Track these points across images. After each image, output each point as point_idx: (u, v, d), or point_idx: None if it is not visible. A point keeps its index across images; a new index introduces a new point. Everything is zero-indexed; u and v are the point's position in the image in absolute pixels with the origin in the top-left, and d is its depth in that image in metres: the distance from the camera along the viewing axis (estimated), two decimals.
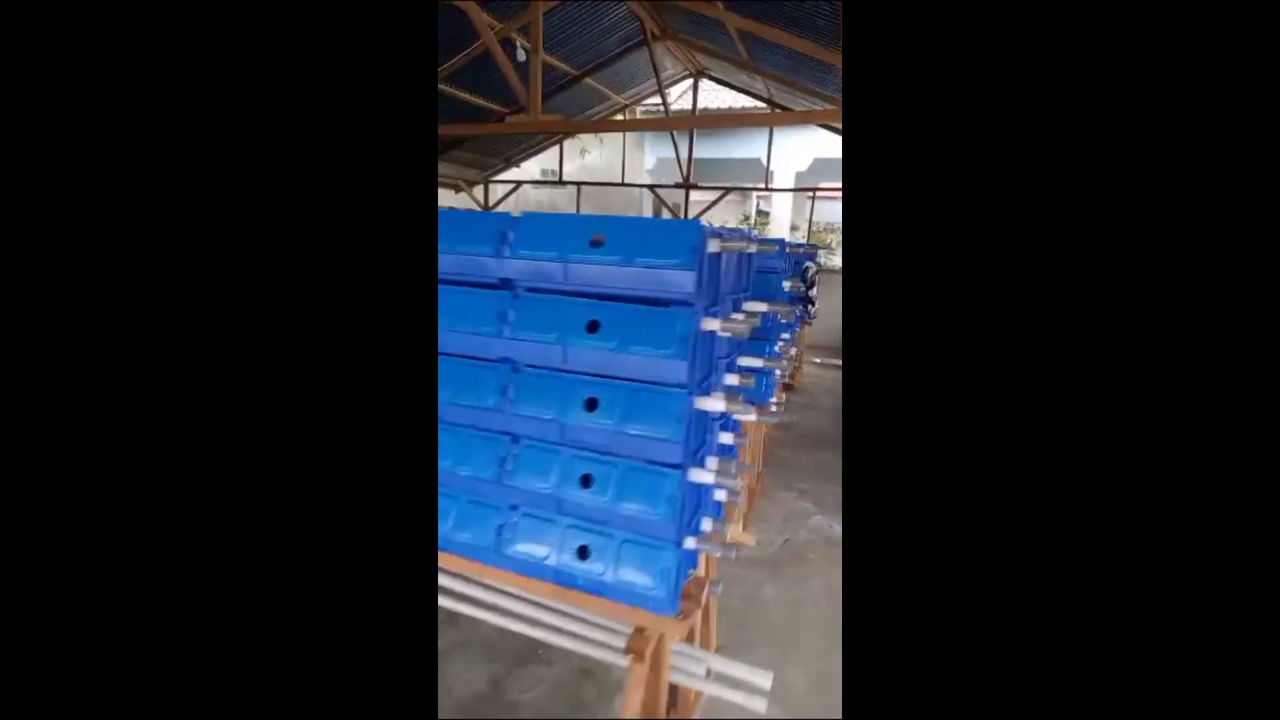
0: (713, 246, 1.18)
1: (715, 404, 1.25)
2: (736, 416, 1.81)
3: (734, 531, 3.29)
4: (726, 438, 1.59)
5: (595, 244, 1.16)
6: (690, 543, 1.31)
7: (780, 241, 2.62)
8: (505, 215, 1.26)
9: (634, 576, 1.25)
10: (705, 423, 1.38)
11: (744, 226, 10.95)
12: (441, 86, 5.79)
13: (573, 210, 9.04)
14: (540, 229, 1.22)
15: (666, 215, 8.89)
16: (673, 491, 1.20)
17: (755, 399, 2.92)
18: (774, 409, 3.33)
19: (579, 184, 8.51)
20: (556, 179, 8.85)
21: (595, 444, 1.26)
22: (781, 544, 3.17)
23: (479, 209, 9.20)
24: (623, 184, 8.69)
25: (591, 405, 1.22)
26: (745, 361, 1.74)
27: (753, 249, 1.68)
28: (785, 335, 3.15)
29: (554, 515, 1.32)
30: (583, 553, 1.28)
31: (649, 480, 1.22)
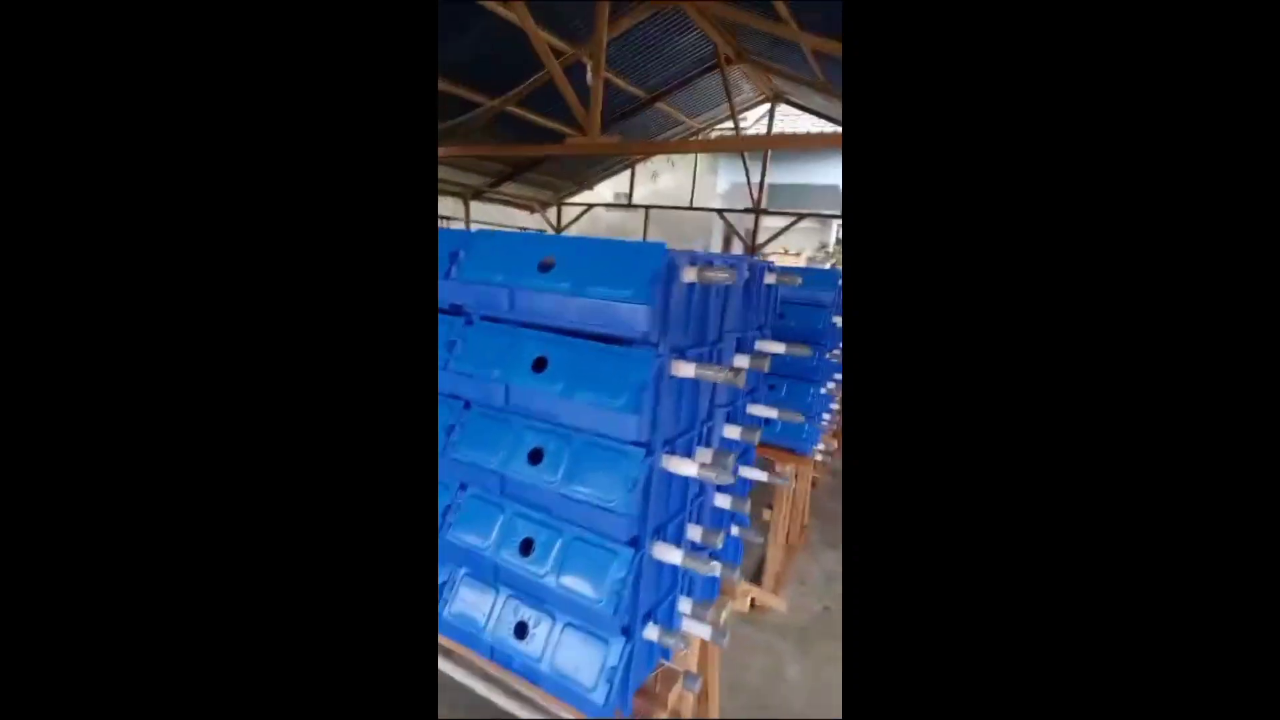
0: (689, 276, 0.96)
1: (686, 468, 1.02)
2: (744, 476, 1.55)
3: (762, 594, 2.94)
4: (724, 500, 1.34)
5: (544, 268, 0.98)
6: (652, 633, 1.08)
7: (820, 272, 2.33)
8: (461, 233, 1.11)
9: (572, 669, 1.03)
10: (681, 486, 1.14)
11: (819, 255, 10.46)
12: (513, 109, 5.95)
13: (641, 234, 9.01)
14: (490, 250, 1.06)
15: (736, 242, 8.64)
16: (621, 573, 0.97)
17: (795, 446, 2.61)
18: (820, 458, 2.98)
19: (647, 207, 8.46)
20: (627, 202, 8.87)
21: (539, 503, 1.06)
22: (821, 611, 2.80)
23: (551, 230, 9.40)
24: (691, 208, 8.56)
25: (535, 457, 1.03)
26: (757, 410, 1.49)
27: (771, 279, 1.44)
28: (839, 376, 2.81)
29: (493, 582, 1.13)
30: (520, 630, 1.08)
31: (594, 556, 1.00)
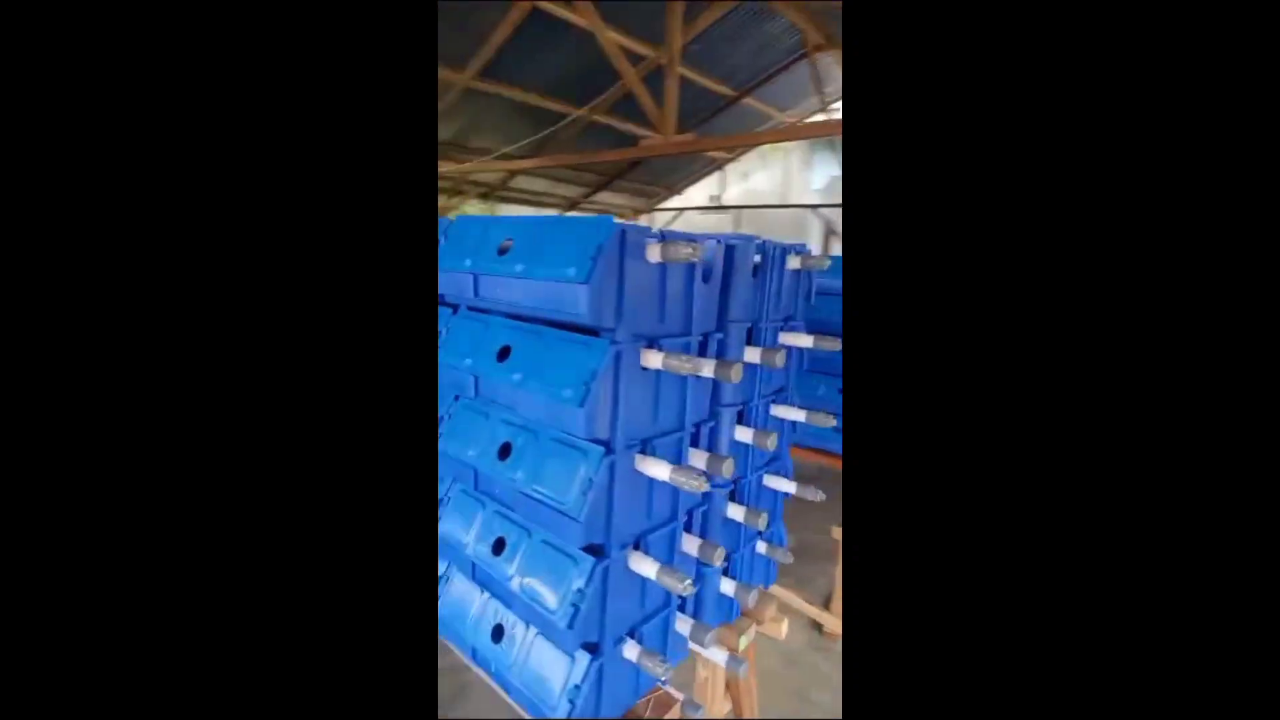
0: (653, 255, 0.86)
1: (657, 471, 0.91)
2: (773, 484, 1.39)
3: (832, 620, 2.66)
4: (736, 512, 1.20)
5: (503, 251, 0.93)
6: (631, 652, 0.98)
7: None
8: (440, 220, 1.10)
9: (538, 681, 0.96)
10: (670, 492, 1.03)
11: None
12: (600, 118, 6.08)
13: None
14: (461, 236, 1.03)
15: (835, 240, 8.13)
16: (579, 583, 0.89)
17: None
18: None
19: (739, 207, 8.24)
20: (718, 204, 8.72)
21: (508, 501, 1.01)
22: None
23: None
24: (783, 205, 8.19)
25: (505, 452, 0.98)
26: (781, 412, 1.32)
27: (796, 263, 1.28)
28: None
29: (473, 580, 1.09)
30: (497, 634, 1.03)
31: (555, 563, 0.92)
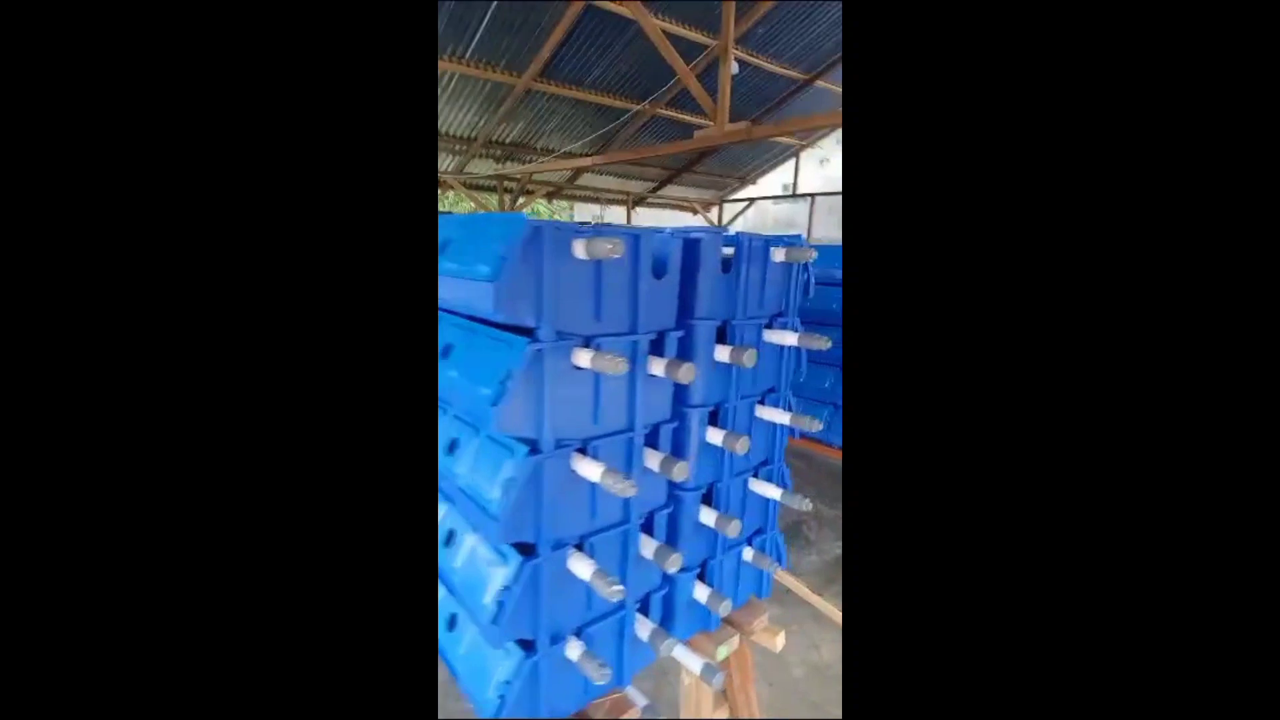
0: (579, 251, 0.83)
1: (590, 472, 0.89)
2: (759, 490, 1.31)
3: None
4: (708, 517, 1.15)
5: (444, 248, 0.94)
6: (573, 651, 0.97)
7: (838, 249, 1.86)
8: None
9: (475, 674, 0.97)
10: (611, 494, 1.00)
11: None
12: (664, 111, 6.04)
13: (806, 227, 8.41)
14: None
15: None
16: (504, 581, 0.89)
17: None
18: None
19: (810, 195, 7.85)
20: (791, 193, 8.38)
21: (452, 495, 1.03)
22: None
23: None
24: None
25: (452, 447, 1.00)
26: (766, 414, 1.25)
27: (780, 255, 1.19)
28: None
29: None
30: (451, 623, 1.06)
31: (489, 558, 0.93)
